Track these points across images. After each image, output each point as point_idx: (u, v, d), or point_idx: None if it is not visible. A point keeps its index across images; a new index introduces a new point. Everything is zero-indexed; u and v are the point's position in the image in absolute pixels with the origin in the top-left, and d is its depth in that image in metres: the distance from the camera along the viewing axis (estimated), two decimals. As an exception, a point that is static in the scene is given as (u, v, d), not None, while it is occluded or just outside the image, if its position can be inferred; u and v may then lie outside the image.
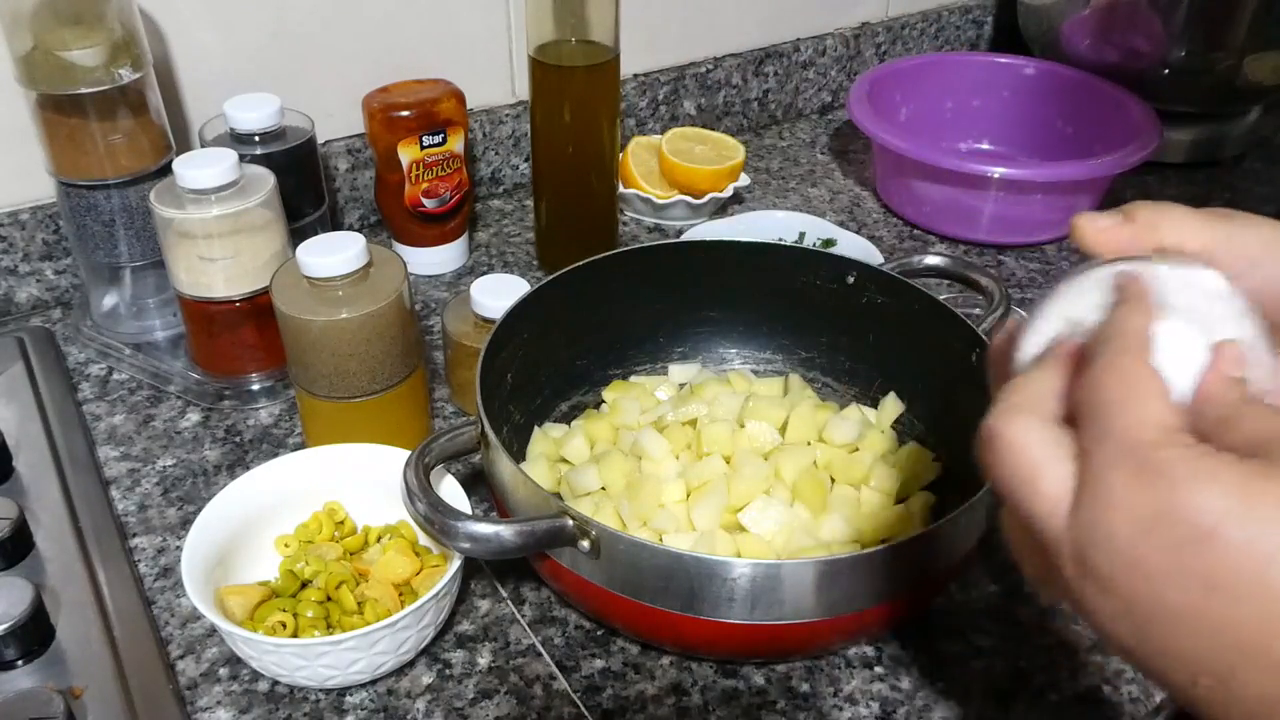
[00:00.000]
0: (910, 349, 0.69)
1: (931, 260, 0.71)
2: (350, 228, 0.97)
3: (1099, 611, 0.31)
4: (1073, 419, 0.32)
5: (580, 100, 0.83)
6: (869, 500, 0.63)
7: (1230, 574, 0.27)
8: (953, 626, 0.60)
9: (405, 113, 0.84)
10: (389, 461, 0.61)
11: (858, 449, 0.66)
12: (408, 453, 0.56)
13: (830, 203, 1.04)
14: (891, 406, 0.70)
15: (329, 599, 0.57)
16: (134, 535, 0.65)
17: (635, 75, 1.07)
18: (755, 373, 0.76)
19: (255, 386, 0.76)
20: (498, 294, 0.70)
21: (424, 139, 0.85)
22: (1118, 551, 0.29)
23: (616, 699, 0.56)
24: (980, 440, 0.33)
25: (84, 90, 0.71)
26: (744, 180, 1.00)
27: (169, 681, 0.56)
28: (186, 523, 0.63)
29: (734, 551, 0.59)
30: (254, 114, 0.78)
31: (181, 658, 0.58)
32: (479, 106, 0.99)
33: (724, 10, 1.10)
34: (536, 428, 0.69)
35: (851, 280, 0.70)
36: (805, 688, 0.57)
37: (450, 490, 0.60)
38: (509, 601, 0.61)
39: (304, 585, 0.59)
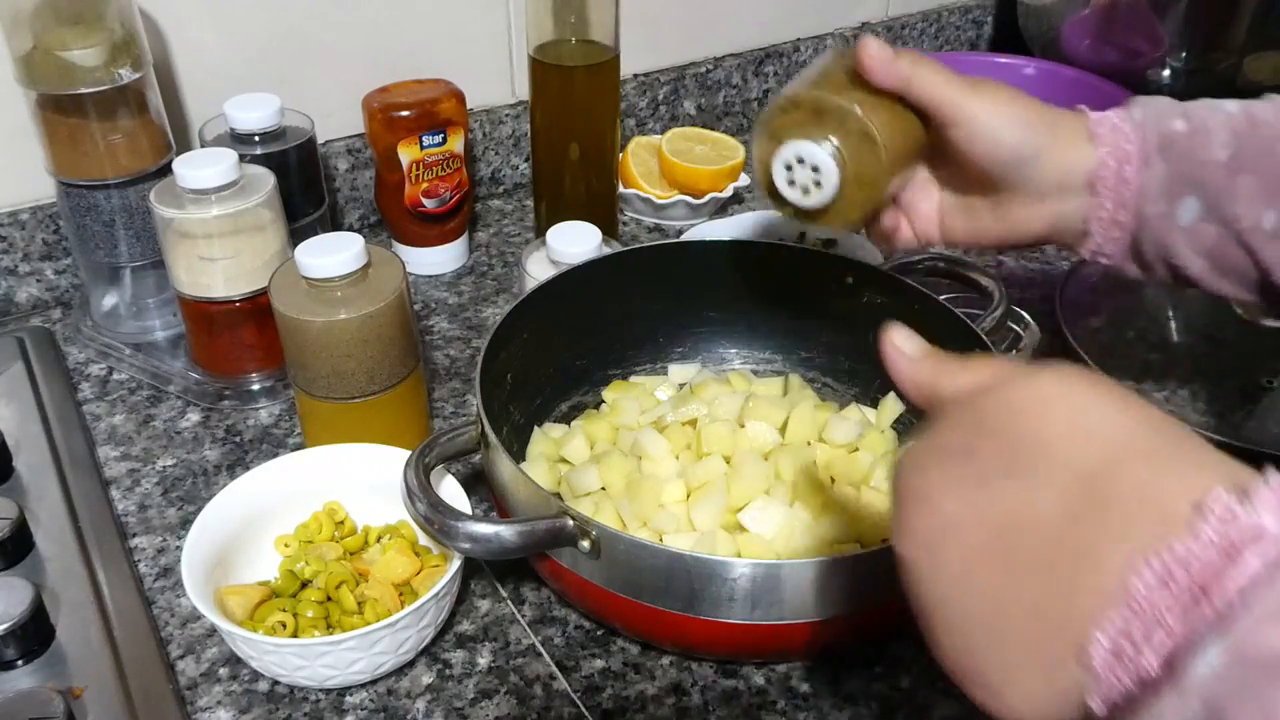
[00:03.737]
0: (910, 349, 0.69)
1: (931, 260, 0.71)
2: (350, 228, 0.97)
3: (950, 484, 0.33)
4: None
5: (580, 100, 0.83)
6: (869, 500, 0.63)
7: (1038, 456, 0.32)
8: (953, 626, 0.60)
9: (405, 113, 0.84)
10: (389, 461, 0.61)
11: (858, 449, 0.66)
12: (408, 453, 0.56)
13: (830, 203, 1.04)
14: (891, 406, 0.70)
15: (329, 599, 0.57)
16: (134, 535, 0.65)
17: (635, 75, 1.07)
18: (755, 373, 0.76)
19: (255, 386, 0.76)
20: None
21: (424, 139, 0.85)
22: (1001, 415, 0.33)
23: (616, 699, 0.56)
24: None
25: (84, 90, 0.71)
26: (744, 180, 1.00)
27: (169, 681, 0.56)
28: (186, 523, 0.63)
29: (734, 551, 0.59)
30: (254, 114, 0.77)
31: (181, 658, 0.58)
32: (479, 106, 0.99)
33: (724, 10, 1.10)
34: (536, 428, 0.69)
35: (851, 280, 0.70)
36: (805, 688, 0.57)
37: (450, 490, 0.60)
38: (509, 601, 0.61)
39: (304, 585, 0.59)
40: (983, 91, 0.54)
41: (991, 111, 0.53)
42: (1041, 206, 0.56)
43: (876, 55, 0.53)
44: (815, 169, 0.53)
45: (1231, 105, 0.54)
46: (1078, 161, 0.54)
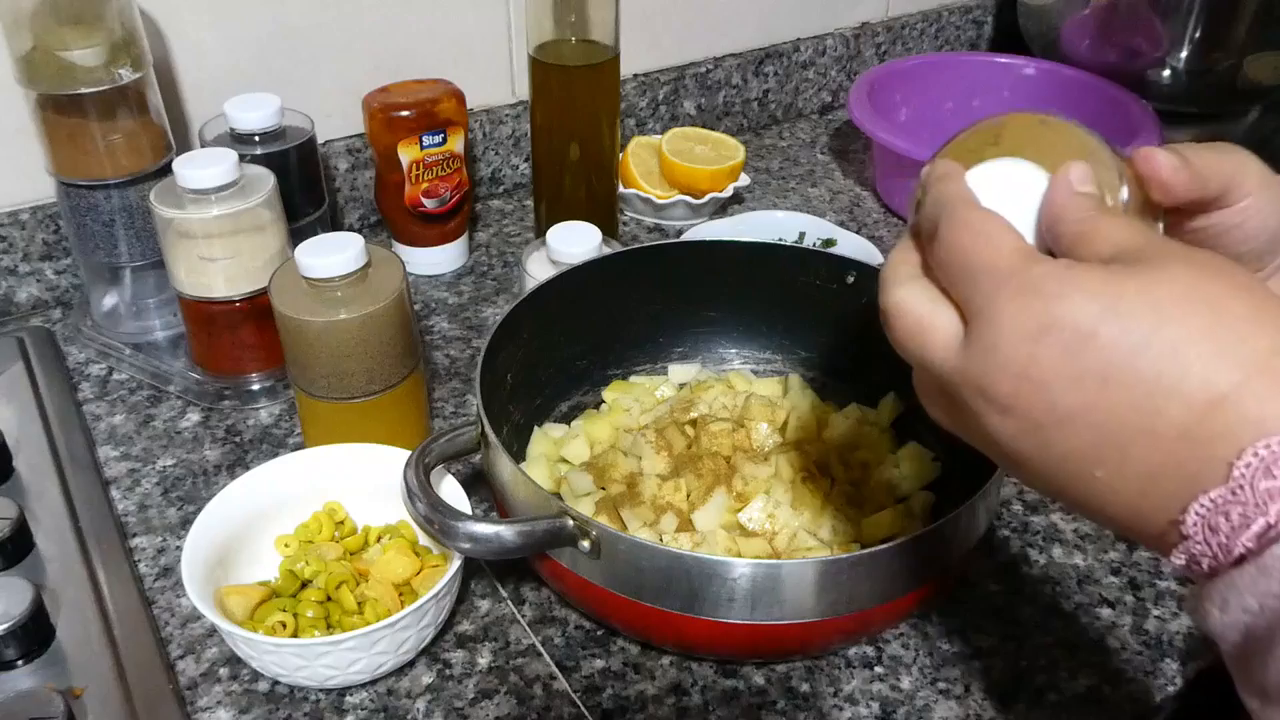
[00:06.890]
0: (910, 349, 0.69)
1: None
2: (350, 228, 0.97)
3: (1003, 435, 0.33)
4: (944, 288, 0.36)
5: (580, 100, 0.83)
6: (869, 500, 0.63)
7: (1115, 366, 0.30)
8: (953, 626, 0.60)
9: (405, 113, 0.84)
10: (389, 461, 0.61)
11: (858, 449, 0.66)
12: (408, 453, 0.56)
13: (830, 203, 1.04)
14: (891, 406, 0.70)
15: (329, 599, 0.57)
16: (134, 535, 0.65)
17: (635, 75, 1.07)
18: (755, 373, 0.76)
19: (255, 386, 0.76)
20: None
21: (424, 139, 0.85)
22: (1011, 369, 0.32)
23: (616, 699, 0.56)
24: (882, 320, 0.37)
25: (84, 90, 0.71)
26: (744, 180, 1.00)
27: (169, 681, 0.56)
28: (186, 523, 0.63)
29: (734, 551, 0.59)
30: (254, 114, 0.77)
31: (181, 658, 0.58)
32: (479, 106, 0.99)
33: (724, 10, 1.10)
34: (536, 428, 0.69)
35: (851, 280, 0.70)
36: (805, 688, 0.57)
37: (450, 490, 0.60)
38: (509, 601, 0.61)
39: (304, 585, 0.59)
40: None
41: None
42: None
43: (1172, 175, 0.37)
44: None
45: None
46: None
